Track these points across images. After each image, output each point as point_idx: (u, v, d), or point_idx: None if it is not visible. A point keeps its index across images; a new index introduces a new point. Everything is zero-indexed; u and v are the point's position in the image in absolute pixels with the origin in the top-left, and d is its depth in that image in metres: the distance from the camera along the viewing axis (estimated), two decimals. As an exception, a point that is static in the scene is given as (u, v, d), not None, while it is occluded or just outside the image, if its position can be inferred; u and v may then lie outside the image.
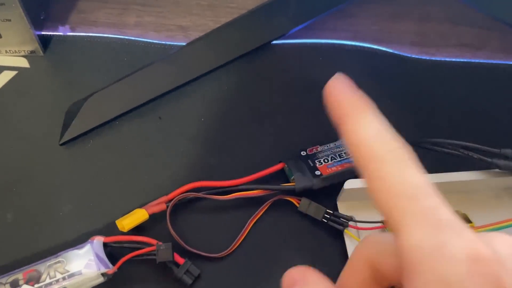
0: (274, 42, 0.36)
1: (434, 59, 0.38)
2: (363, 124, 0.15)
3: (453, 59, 0.39)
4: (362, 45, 0.37)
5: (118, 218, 0.28)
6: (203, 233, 0.29)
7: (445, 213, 0.13)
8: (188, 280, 0.26)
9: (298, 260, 0.28)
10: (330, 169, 0.30)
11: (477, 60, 0.39)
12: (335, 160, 0.30)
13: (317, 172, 0.29)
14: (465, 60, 0.39)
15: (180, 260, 0.27)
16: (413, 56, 0.38)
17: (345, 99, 0.16)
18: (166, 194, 0.29)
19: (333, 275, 0.28)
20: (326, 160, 0.30)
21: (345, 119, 0.15)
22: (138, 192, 0.29)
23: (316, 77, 0.36)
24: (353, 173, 0.29)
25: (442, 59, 0.39)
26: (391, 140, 0.14)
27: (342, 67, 0.36)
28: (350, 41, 0.37)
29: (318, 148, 0.31)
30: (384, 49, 0.38)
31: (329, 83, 0.16)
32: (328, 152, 0.30)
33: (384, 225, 0.28)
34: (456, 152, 0.29)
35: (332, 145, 0.31)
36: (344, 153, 0.30)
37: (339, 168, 0.30)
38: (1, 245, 0.27)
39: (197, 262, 0.27)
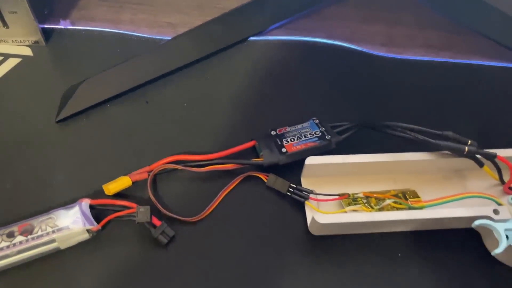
0: (252, 38, 0.40)
1: (400, 57, 0.42)
2: None
3: (418, 58, 0.42)
4: (334, 43, 0.41)
5: (103, 185, 0.31)
6: (179, 200, 0.32)
7: None
8: (164, 240, 0.30)
9: (263, 227, 0.32)
10: (295, 147, 0.33)
11: (440, 59, 0.43)
12: (300, 140, 0.34)
13: (283, 150, 0.33)
14: (429, 59, 0.42)
15: (157, 222, 0.30)
16: (381, 54, 0.42)
17: None
18: (149, 165, 0.32)
19: (294, 240, 0.31)
20: (292, 139, 0.34)
21: None
22: (123, 164, 0.33)
23: (288, 70, 0.40)
24: (315, 151, 0.33)
25: (408, 57, 0.42)
26: None
27: (314, 63, 0.41)
28: (323, 39, 0.41)
29: (286, 129, 0.34)
30: (354, 47, 0.41)
31: None
32: (295, 133, 0.34)
33: (340, 197, 0.32)
34: (404, 134, 0.32)
35: (299, 126, 0.35)
36: (309, 133, 0.34)
37: (303, 147, 0.33)
38: (1, 207, 0.31)
39: (173, 226, 0.30)
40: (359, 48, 0.42)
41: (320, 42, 0.41)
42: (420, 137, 0.31)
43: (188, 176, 0.33)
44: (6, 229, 0.28)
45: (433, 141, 0.31)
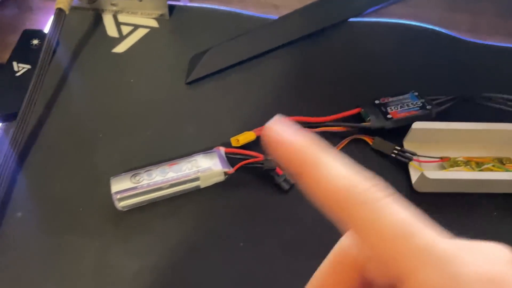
0: (351, 19, 0.44)
1: (485, 43, 0.45)
2: (326, 173, 0.13)
3: (501, 44, 0.45)
4: (426, 26, 0.45)
5: (229, 139, 0.36)
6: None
7: (445, 243, 0.12)
8: (285, 186, 0.34)
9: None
10: (399, 114, 0.37)
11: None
12: (403, 108, 0.37)
13: (389, 116, 0.37)
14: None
15: (280, 171, 0.34)
16: (468, 40, 0.45)
17: (296, 145, 0.13)
18: (268, 124, 0.37)
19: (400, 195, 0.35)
20: (396, 108, 0.37)
21: (303, 169, 0.13)
22: (244, 122, 0.37)
23: (384, 48, 0.43)
24: (417, 119, 0.36)
25: (492, 43, 0.45)
26: (362, 183, 0.12)
27: (407, 43, 0.44)
28: (415, 22, 0.45)
29: (389, 99, 0.38)
30: (444, 31, 0.45)
31: (269, 128, 0.14)
32: (397, 102, 0.38)
33: (442, 160, 0.35)
34: (504, 106, 0.35)
35: (400, 97, 0.38)
36: (411, 103, 0.38)
37: (407, 114, 0.37)
38: (143, 152, 0.35)
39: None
40: (448, 32, 0.45)
41: (413, 25, 0.45)
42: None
43: (302, 135, 0.37)
44: (158, 166, 0.32)
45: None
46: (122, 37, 0.42)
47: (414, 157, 0.35)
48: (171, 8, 0.44)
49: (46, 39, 0.35)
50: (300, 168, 0.13)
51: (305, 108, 0.39)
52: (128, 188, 0.31)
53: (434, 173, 0.33)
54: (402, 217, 0.12)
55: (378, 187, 0.13)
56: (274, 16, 0.45)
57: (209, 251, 0.31)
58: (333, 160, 0.13)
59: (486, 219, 0.34)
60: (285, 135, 0.14)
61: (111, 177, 0.32)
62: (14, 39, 0.40)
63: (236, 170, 0.34)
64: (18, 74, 0.37)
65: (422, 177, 0.33)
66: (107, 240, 0.31)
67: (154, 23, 0.43)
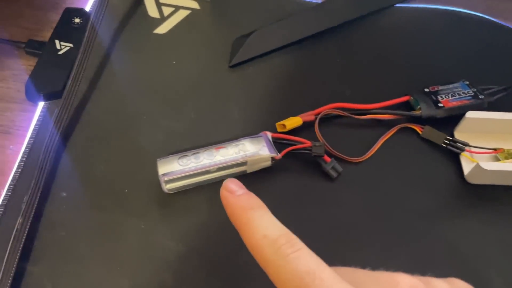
0: (398, 5, 0.43)
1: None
2: (252, 229, 0.17)
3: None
4: (475, 14, 0.43)
5: (274, 124, 0.35)
6: (341, 143, 0.35)
7: (342, 284, 0.15)
8: (333, 174, 0.33)
9: (418, 178, 0.34)
10: (451, 103, 0.35)
11: None
12: (454, 97, 0.36)
13: (440, 105, 0.35)
14: None
15: (327, 158, 0.33)
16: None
17: (232, 205, 0.18)
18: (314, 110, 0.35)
19: (450, 192, 0.34)
20: (447, 96, 0.36)
21: (239, 227, 0.18)
22: (288, 107, 0.36)
23: (431, 35, 0.42)
24: (469, 109, 0.35)
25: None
26: (276, 241, 0.16)
27: (456, 30, 0.42)
28: (464, 9, 0.43)
29: (439, 87, 0.37)
30: (493, 19, 0.43)
31: (222, 187, 0.19)
32: (448, 91, 0.36)
33: (496, 151, 0.34)
34: None
35: (451, 85, 0.37)
36: (462, 92, 0.36)
37: (459, 103, 0.35)
38: (188, 133, 0.35)
39: (339, 163, 0.34)
40: (498, 21, 0.43)
41: (462, 12, 0.43)
42: None
43: (348, 122, 0.36)
44: (205, 149, 0.32)
45: None
46: (163, 18, 0.41)
47: (466, 148, 0.34)
48: (212, -11, 0.43)
49: (91, 20, 0.35)
50: (237, 225, 0.18)
51: (351, 95, 0.38)
52: (175, 171, 0.30)
53: (490, 164, 0.31)
54: (304, 268, 0.15)
55: (290, 243, 0.16)
56: (317, 0, 0.44)
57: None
58: (259, 220, 0.18)
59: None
60: (230, 197, 0.19)
61: (158, 159, 0.31)
62: (55, 17, 0.40)
63: (283, 156, 0.33)
64: (60, 52, 0.37)
65: (477, 168, 0.32)
66: (152, 222, 0.30)
67: (195, 5, 0.42)
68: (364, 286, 0.16)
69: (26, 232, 0.28)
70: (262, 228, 0.17)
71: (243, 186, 0.19)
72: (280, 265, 0.15)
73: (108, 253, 0.29)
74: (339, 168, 0.33)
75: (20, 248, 0.27)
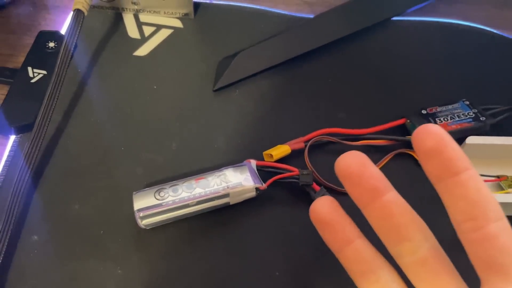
0: (394, 18, 0.41)
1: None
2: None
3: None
4: (473, 25, 0.41)
5: (261, 152, 0.33)
6: (332, 172, 0.33)
7: None
8: (324, 206, 0.31)
9: (415, 207, 0.32)
10: (450, 127, 0.33)
11: None
12: (453, 120, 0.34)
13: (438, 128, 0.33)
14: None
15: (316, 187, 0.31)
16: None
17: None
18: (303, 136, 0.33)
19: (449, 222, 0.31)
20: (445, 119, 0.34)
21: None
22: (276, 133, 0.34)
23: (430, 50, 0.40)
24: (470, 133, 0.33)
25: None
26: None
27: (454, 44, 0.40)
28: (462, 21, 0.41)
29: (437, 109, 0.34)
30: (493, 30, 0.41)
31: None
32: (447, 113, 0.34)
33: (499, 179, 0.31)
34: None
35: (449, 106, 0.34)
36: (462, 114, 0.34)
37: (458, 127, 0.33)
38: (168, 165, 0.32)
39: (329, 193, 0.31)
40: (499, 32, 0.41)
41: (460, 24, 0.41)
42: None
43: (340, 149, 0.34)
44: (184, 180, 0.30)
45: None
46: (144, 39, 0.39)
47: (467, 175, 0.32)
48: (196, 6, 0.41)
49: (63, 45, 0.33)
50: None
51: (343, 118, 0.36)
52: (152, 206, 0.28)
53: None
54: None
55: None
56: (307, 14, 0.42)
57: (243, 278, 0.28)
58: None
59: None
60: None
61: (134, 192, 0.29)
62: (29, 40, 0.38)
63: (269, 186, 0.30)
64: (33, 80, 0.34)
65: (479, 199, 0.29)
66: (130, 265, 0.28)
67: (178, 23, 0.40)
68: None
69: (-8, 282, 0.26)
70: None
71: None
72: None
73: (83, 303, 0.27)
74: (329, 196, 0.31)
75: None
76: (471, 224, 0.16)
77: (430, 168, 0.16)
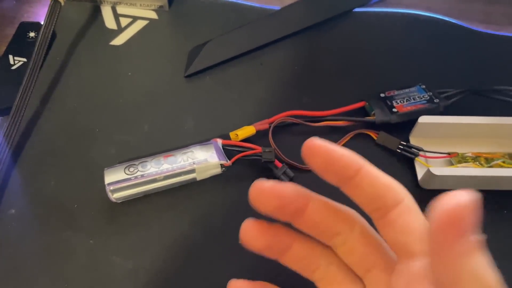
0: (356, 9, 0.43)
1: (498, 33, 0.43)
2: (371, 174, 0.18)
3: (515, 35, 0.43)
4: (435, 16, 0.43)
5: (228, 134, 0.35)
6: (294, 151, 0.34)
7: None
8: (285, 179, 0.33)
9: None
10: (405, 108, 0.35)
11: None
12: (409, 102, 0.36)
13: (394, 110, 0.35)
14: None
15: (278, 164, 0.33)
16: (480, 30, 0.43)
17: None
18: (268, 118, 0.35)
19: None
20: (401, 101, 0.36)
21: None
22: (243, 116, 0.36)
23: (391, 40, 0.42)
24: (424, 113, 0.35)
25: (505, 34, 0.43)
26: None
27: (415, 34, 0.42)
28: (423, 12, 0.43)
29: (395, 92, 0.37)
30: (454, 21, 0.43)
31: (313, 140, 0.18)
32: (404, 95, 0.36)
33: (450, 155, 0.34)
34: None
35: (406, 90, 0.37)
36: (417, 97, 0.36)
37: (413, 108, 0.35)
38: (140, 146, 0.34)
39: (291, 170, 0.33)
40: (458, 22, 0.43)
41: (421, 15, 0.43)
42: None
43: (303, 130, 0.36)
44: (153, 158, 0.32)
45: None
46: (120, 29, 0.41)
47: (420, 153, 0.34)
48: (171, -1, 0.43)
49: (40, 32, 0.35)
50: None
51: (307, 102, 0.38)
52: (121, 180, 0.30)
53: (441, 170, 0.31)
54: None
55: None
56: (276, 6, 0.44)
57: (207, 248, 0.30)
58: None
59: (496, 218, 0.32)
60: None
61: (105, 168, 0.31)
62: (11, 31, 0.40)
63: (234, 163, 0.32)
64: (13, 67, 0.37)
65: (428, 173, 0.31)
66: (102, 237, 0.30)
67: (153, 15, 0.42)
68: None
69: (-30, 251, 0.28)
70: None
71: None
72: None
73: (56, 271, 0.29)
74: (291, 173, 0.33)
75: (-37, 268, 0.27)
76: (376, 214, 0.18)
77: (329, 179, 0.18)
